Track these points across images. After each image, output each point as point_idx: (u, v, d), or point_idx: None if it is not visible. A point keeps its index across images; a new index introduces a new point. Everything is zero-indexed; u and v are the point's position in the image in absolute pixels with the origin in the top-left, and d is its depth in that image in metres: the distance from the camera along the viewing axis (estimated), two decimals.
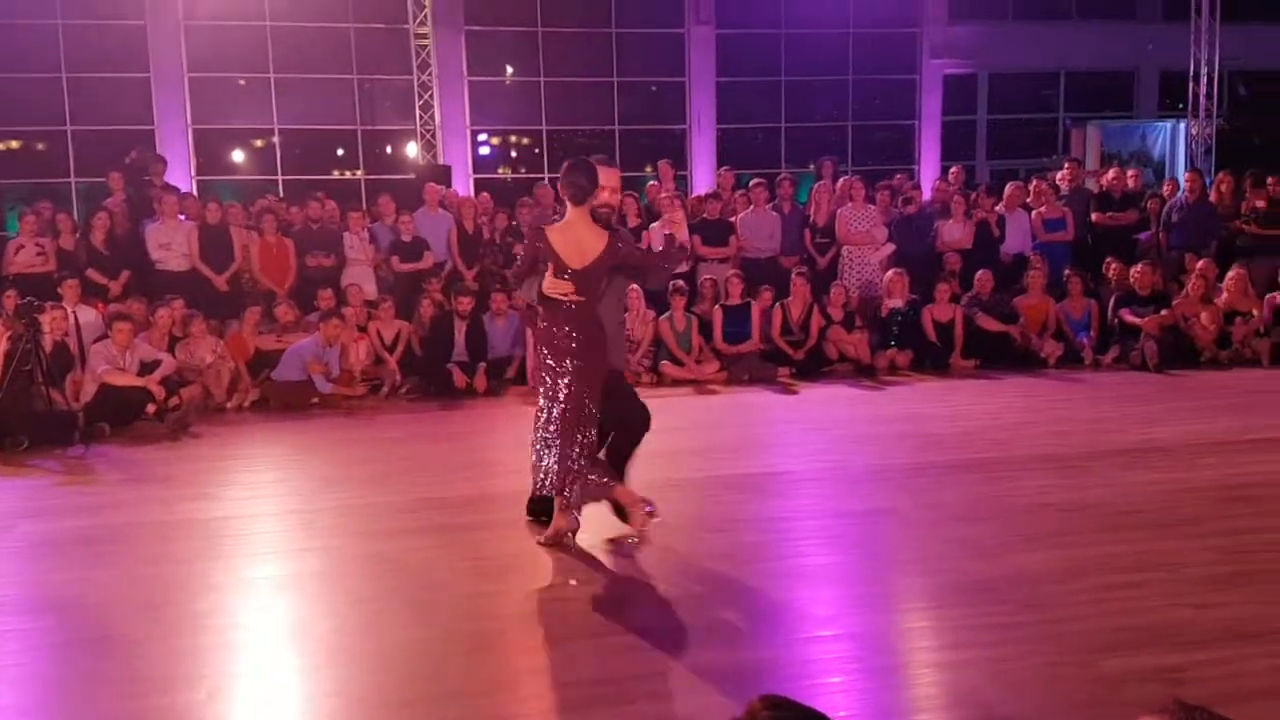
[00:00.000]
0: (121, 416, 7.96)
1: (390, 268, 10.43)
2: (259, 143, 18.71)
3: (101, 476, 6.80)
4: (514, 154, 20.67)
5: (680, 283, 9.98)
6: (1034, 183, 11.80)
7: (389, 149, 19.17)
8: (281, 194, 15.57)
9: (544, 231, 4.65)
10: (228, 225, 10.12)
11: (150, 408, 8.04)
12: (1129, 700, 3.23)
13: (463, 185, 17.13)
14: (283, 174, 18.22)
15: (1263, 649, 3.61)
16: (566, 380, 4.71)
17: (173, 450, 7.46)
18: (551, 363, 4.76)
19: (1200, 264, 10.21)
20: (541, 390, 4.88)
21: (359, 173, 18.71)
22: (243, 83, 18.23)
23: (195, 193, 13.19)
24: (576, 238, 4.58)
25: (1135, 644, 3.67)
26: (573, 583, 4.48)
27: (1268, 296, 10.08)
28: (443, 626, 4.03)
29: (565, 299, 4.60)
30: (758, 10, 19.97)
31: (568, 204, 4.66)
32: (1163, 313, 9.81)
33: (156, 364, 8.28)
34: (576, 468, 4.72)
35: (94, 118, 16.55)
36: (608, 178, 4.76)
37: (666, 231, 4.84)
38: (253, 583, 4.67)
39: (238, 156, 18.84)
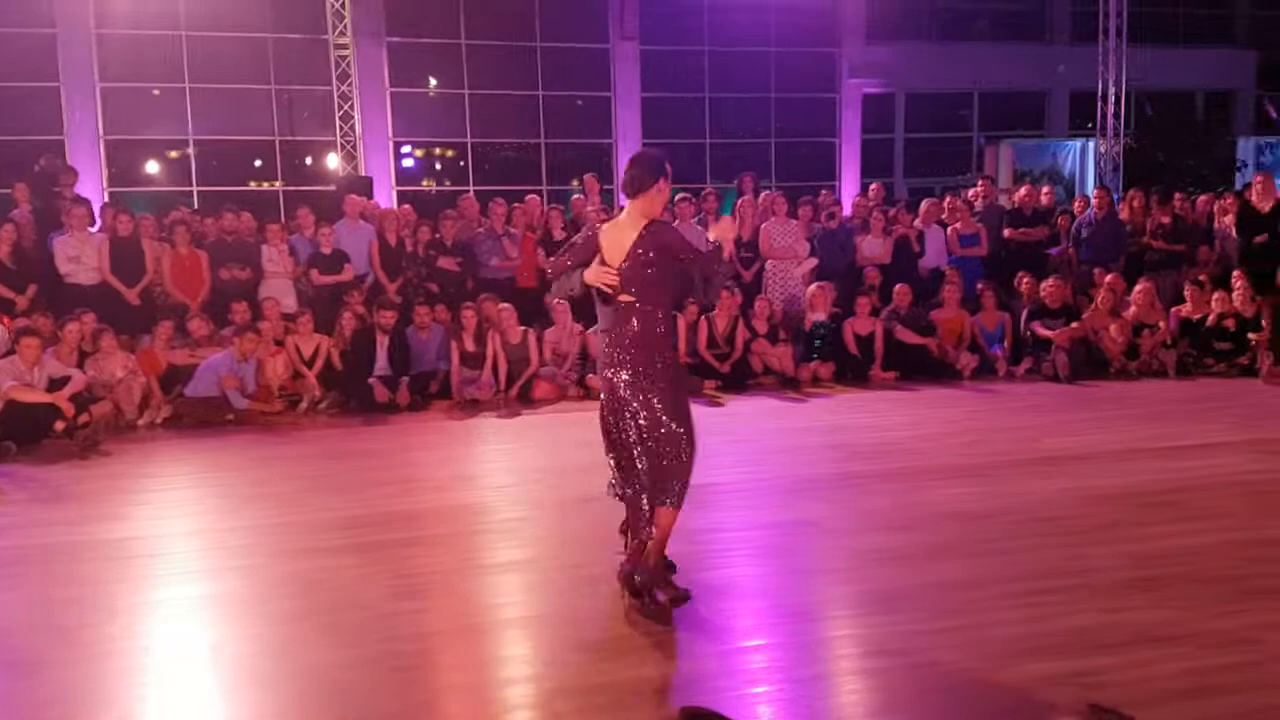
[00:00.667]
0: (29, 434, 7.70)
1: (310, 281, 10.27)
2: (174, 154, 18.31)
3: (8, 496, 6.56)
4: (438, 166, 20.52)
5: None
6: (949, 199, 12.09)
7: (309, 160, 18.89)
8: (197, 206, 15.24)
9: (598, 227, 4.38)
10: (139, 238, 9.88)
11: (59, 425, 7.80)
12: (1046, 704, 3.31)
13: (385, 197, 16.96)
14: (198, 185, 17.85)
15: (1174, 652, 3.72)
16: (645, 408, 4.20)
17: (83, 469, 7.24)
18: (623, 389, 4.24)
19: (1109, 278, 10.54)
20: (612, 423, 4.32)
21: (278, 184, 18.41)
22: (157, 93, 17.83)
23: (108, 204, 12.83)
24: (619, 232, 4.23)
25: (1051, 649, 3.76)
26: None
27: (1173, 309, 10.44)
28: (364, 647, 3.96)
29: (607, 289, 4.21)
30: (681, 28, 20.16)
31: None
32: (1073, 325, 10.11)
33: (66, 380, 8.03)
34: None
35: (1, 127, 16.02)
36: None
37: (711, 238, 4.45)
38: (165, 604, 4.54)
39: (152, 168, 18.40)
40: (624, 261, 4.19)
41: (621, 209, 4.47)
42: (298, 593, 4.58)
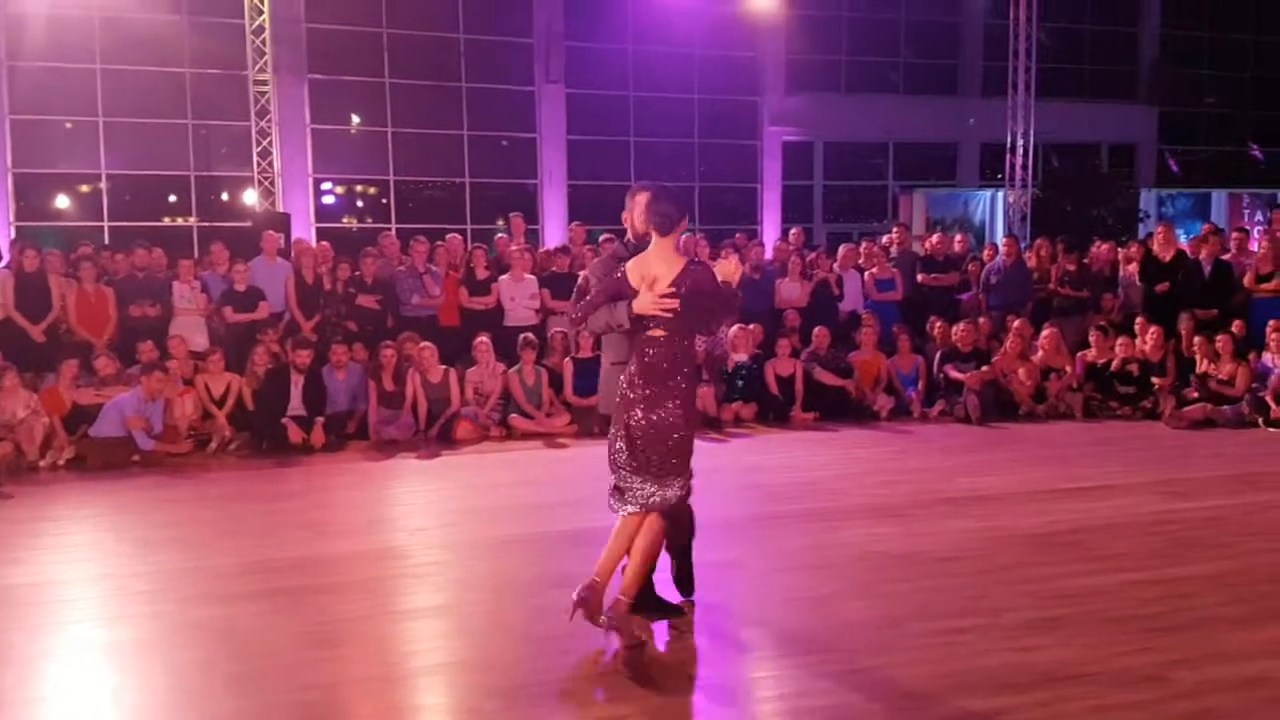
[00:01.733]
0: None
1: (222, 318, 10.05)
2: (85, 188, 17.87)
3: None
4: (360, 204, 20.35)
5: (530, 336, 9.99)
6: (865, 245, 12.37)
7: (225, 196, 18.59)
8: (108, 241, 14.87)
9: (623, 265, 4.34)
10: (46, 273, 9.59)
11: None
12: None
13: (305, 234, 16.77)
14: (110, 220, 17.43)
15: (1079, 690, 3.79)
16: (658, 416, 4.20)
17: None
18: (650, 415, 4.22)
19: (1017, 323, 10.84)
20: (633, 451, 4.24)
21: (192, 220, 18.06)
22: (69, 126, 17.42)
23: (14, 239, 12.45)
24: (649, 267, 4.24)
25: (963, 688, 3.80)
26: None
27: (1079, 354, 10.76)
28: (268, 697, 3.84)
29: (663, 313, 4.18)
30: (607, 73, 20.40)
31: (654, 235, 4.29)
32: (983, 369, 10.38)
33: None
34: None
35: None
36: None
37: (720, 279, 4.46)
38: (64, 652, 4.37)
39: (62, 202, 17.93)
40: (664, 295, 4.21)
41: (601, 245, 4.43)
42: (203, 640, 4.43)
